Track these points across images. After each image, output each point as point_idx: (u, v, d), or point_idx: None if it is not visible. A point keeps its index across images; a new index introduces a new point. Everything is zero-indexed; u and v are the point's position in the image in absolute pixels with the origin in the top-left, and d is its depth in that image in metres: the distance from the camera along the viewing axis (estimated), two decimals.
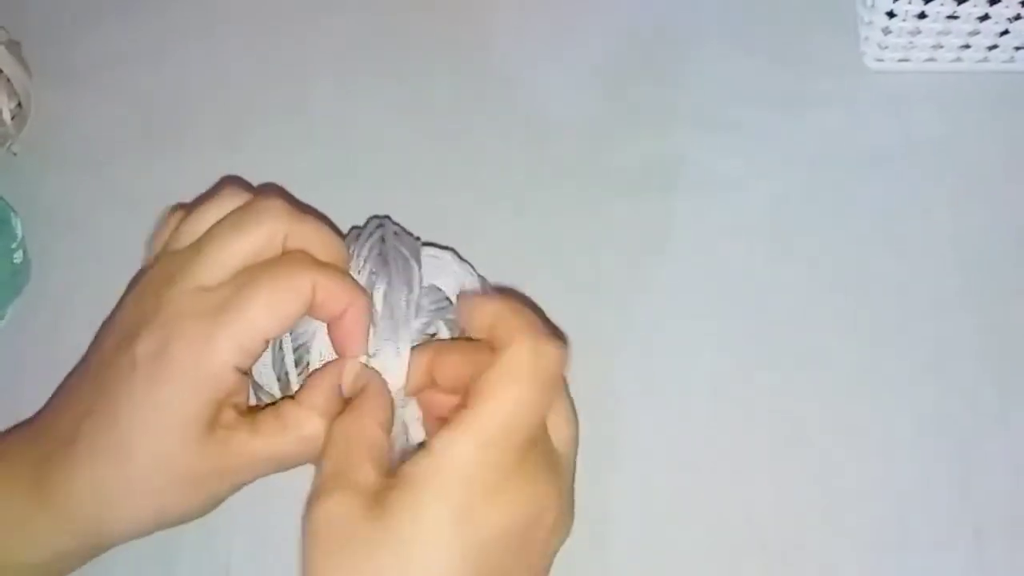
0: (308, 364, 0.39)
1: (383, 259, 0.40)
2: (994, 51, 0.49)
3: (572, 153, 0.50)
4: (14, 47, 0.50)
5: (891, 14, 0.48)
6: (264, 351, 0.37)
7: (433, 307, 0.40)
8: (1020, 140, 0.50)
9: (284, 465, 0.37)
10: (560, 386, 0.36)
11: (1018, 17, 0.47)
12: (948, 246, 0.47)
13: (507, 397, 0.33)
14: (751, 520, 0.43)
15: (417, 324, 0.39)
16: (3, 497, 0.36)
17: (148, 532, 0.36)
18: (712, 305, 0.46)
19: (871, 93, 0.51)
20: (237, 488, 0.37)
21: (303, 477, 0.35)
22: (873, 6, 0.48)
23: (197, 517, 0.37)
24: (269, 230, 0.37)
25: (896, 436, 0.44)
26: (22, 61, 0.50)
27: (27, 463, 0.36)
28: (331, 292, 0.36)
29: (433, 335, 0.40)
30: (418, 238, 0.43)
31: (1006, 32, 0.48)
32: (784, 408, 0.44)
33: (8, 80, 0.49)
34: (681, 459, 0.44)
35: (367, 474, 0.34)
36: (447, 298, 0.40)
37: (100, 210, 0.49)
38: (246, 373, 0.37)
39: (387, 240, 0.41)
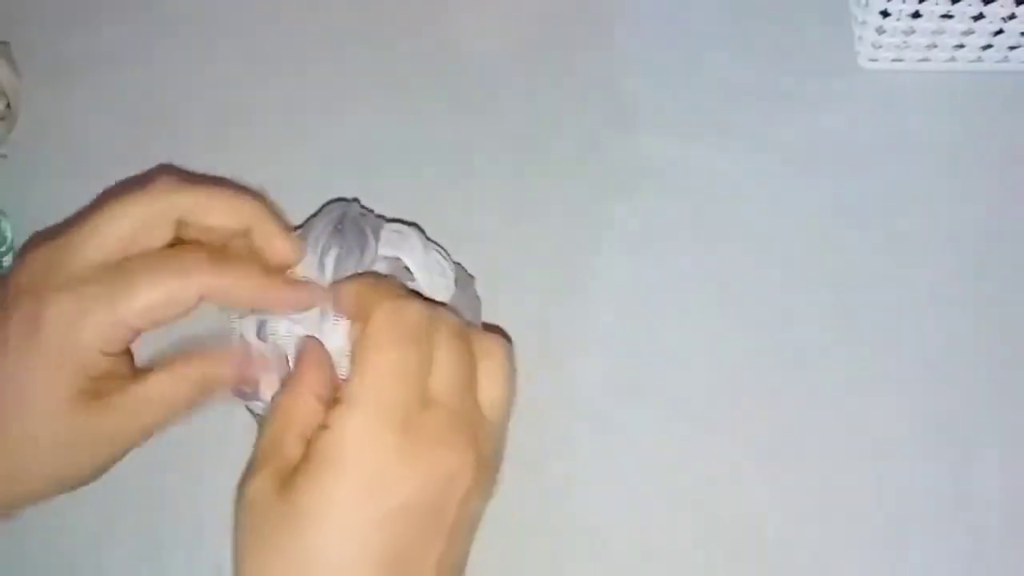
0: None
1: (340, 232, 0.40)
2: (988, 51, 0.49)
3: (566, 153, 0.49)
4: (3, 47, 0.50)
5: (885, 13, 0.48)
6: (134, 340, 0.37)
7: (391, 271, 0.40)
8: (1014, 139, 0.50)
9: (153, 429, 0.38)
10: (428, 339, 0.35)
11: (1012, 16, 0.47)
12: (944, 245, 0.47)
13: (379, 365, 0.34)
14: (748, 520, 0.42)
15: None
16: None
17: (43, 497, 0.37)
18: (707, 305, 0.46)
19: (865, 93, 0.51)
20: (124, 452, 0.38)
21: None
22: (867, 5, 0.48)
23: (92, 481, 0.38)
24: (157, 204, 0.37)
25: (894, 436, 0.44)
26: (11, 62, 0.50)
27: None
28: (225, 291, 0.37)
29: None
30: (382, 216, 0.43)
31: (1000, 32, 0.48)
32: (782, 407, 0.44)
33: None
34: (677, 459, 0.43)
35: (295, 449, 0.34)
36: (407, 268, 0.40)
37: None
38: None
39: (347, 216, 0.41)
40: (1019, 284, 0.46)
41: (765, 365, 0.45)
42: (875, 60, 0.51)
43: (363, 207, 0.44)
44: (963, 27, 0.48)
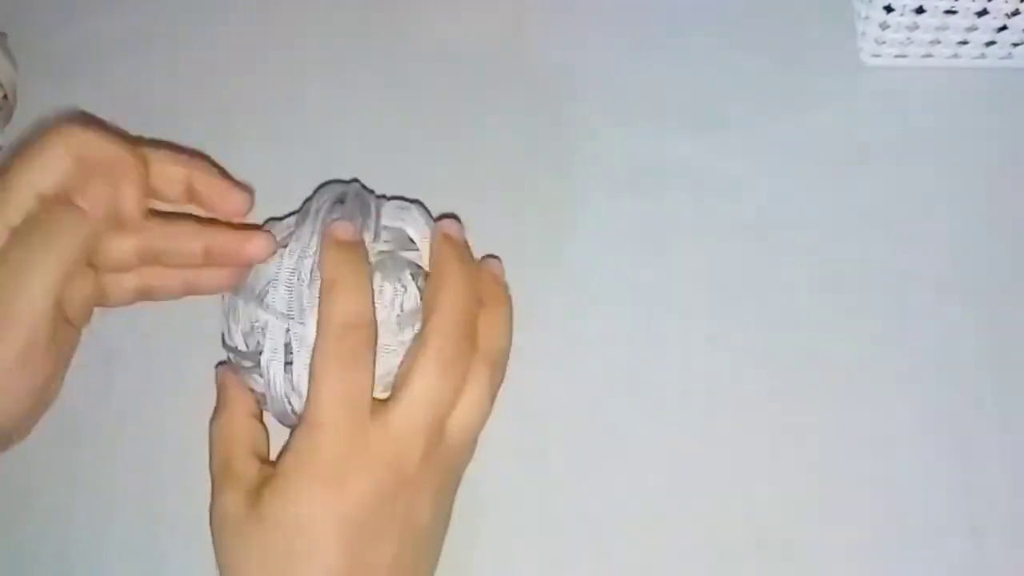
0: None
1: (341, 204, 0.41)
2: (991, 47, 0.49)
3: (566, 151, 0.49)
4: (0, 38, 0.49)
5: (889, 8, 0.47)
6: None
7: (393, 240, 0.41)
8: (1017, 136, 0.49)
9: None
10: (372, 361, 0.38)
11: (1016, 12, 0.47)
12: (946, 242, 0.47)
13: (321, 380, 0.37)
14: (749, 519, 0.42)
15: (374, 247, 0.40)
16: None
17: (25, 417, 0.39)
18: (709, 303, 0.46)
19: (868, 89, 0.50)
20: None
21: None
22: (871, 1, 0.48)
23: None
24: (59, 159, 0.38)
25: (894, 433, 0.44)
26: (8, 53, 0.49)
27: None
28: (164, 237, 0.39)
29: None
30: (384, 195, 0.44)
31: (1004, 28, 0.48)
32: (782, 407, 0.44)
33: None
34: (678, 458, 0.43)
35: (248, 466, 0.38)
36: (410, 239, 0.41)
37: None
38: None
39: (349, 191, 0.42)
40: (1022, 283, 0.46)
41: (765, 365, 0.45)
42: (878, 56, 0.51)
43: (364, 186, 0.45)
44: (967, 23, 0.48)
